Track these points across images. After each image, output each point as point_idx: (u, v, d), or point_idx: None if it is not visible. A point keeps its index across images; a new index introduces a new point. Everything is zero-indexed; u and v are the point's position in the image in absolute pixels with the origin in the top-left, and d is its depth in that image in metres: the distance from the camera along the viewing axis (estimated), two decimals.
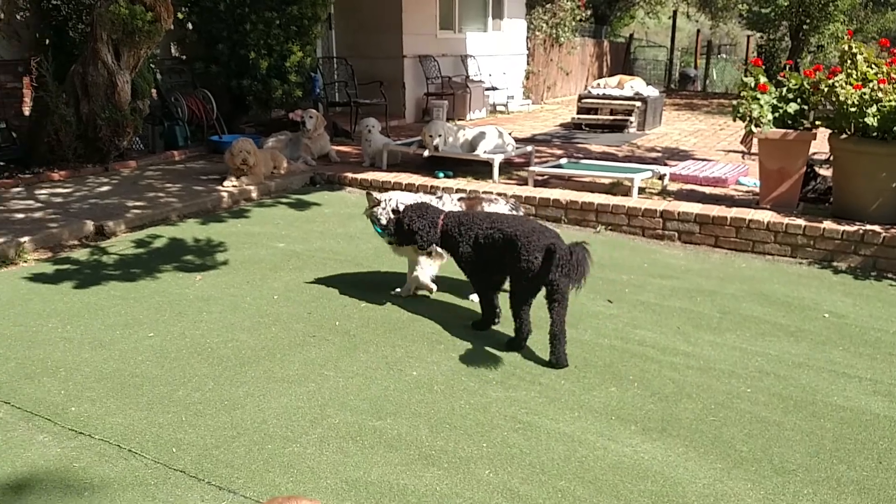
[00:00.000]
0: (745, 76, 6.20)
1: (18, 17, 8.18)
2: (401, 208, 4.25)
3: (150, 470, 2.73)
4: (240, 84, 9.53)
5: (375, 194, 4.47)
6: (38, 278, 4.81)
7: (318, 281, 4.83)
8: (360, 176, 7.70)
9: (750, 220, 5.74)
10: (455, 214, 4.07)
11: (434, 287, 4.59)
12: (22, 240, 5.37)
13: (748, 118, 5.93)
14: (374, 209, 4.37)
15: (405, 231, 4.10)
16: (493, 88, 14.02)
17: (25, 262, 5.22)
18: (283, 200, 7.19)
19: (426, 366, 3.65)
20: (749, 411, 3.26)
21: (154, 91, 8.72)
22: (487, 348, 3.85)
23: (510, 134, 8.35)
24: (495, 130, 7.96)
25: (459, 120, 12.51)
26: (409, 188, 7.33)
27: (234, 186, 7.21)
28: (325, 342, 3.90)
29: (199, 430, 2.99)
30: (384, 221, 4.29)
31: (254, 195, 7.27)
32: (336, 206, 7.03)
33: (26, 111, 8.41)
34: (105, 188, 7.19)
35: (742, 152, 8.76)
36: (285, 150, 8.42)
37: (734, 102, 6.13)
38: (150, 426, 3.01)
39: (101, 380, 3.40)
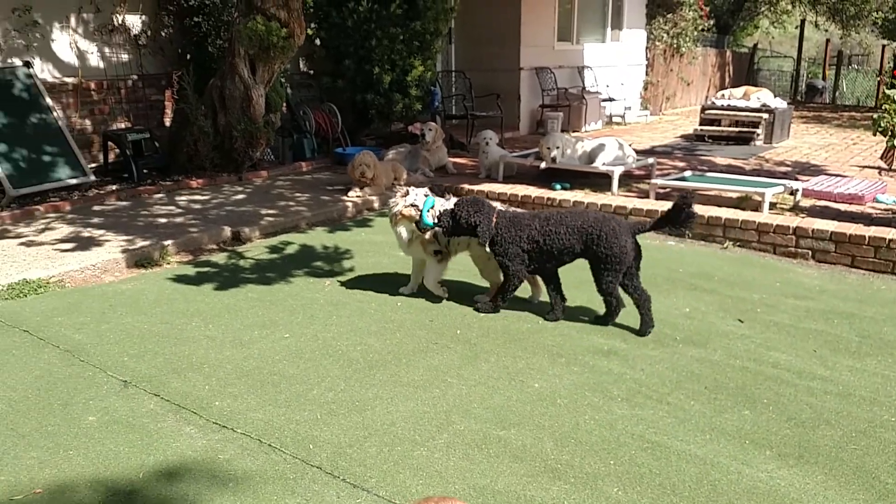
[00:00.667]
0: (888, 88, 5.82)
1: (163, 33, 8.84)
2: (436, 206, 4.52)
3: (289, 465, 2.87)
4: (364, 98, 9.86)
5: (401, 188, 4.76)
6: (180, 279, 5.15)
7: None
8: (476, 187, 7.78)
9: (890, 240, 5.38)
10: (505, 213, 4.41)
11: (445, 293, 4.73)
12: (166, 243, 5.78)
13: (890, 132, 5.57)
14: (404, 203, 4.59)
15: (462, 225, 4.34)
16: (610, 99, 13.82)
17: (168, 263, 5.60)
18: None
19: (548, 378, 3.64)
20: (894, 441, 3.05)
21: (284, 105, 9.17)
22: (609, 365, 3.80)
23: (630, 145, 8.20)
24: (615, 142, 7.84)
25: (575, 132, 12.39)
26: (525, 200, 7.34)
27: (357, 197, 7.47)
28: (446, 350, 3.96)
29: (332, 429, 3.11)
30: (430, 218, 4.48)
31: (376, 205, 7.50)
32: None
33: (167, 122, 9.07)
34: (239, 196, 7.62)
35: (881, 168, 8.21)
36: (405, 162, 8.63)
37: (875, 116, 5.78)
38: (288, 423, 3.16)
39: (241, 377, 3.61)
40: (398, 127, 11.18)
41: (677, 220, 4.03)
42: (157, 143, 8.34)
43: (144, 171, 8.09)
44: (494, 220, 4.31)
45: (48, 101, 7.59)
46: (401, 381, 3.57)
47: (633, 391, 3.52)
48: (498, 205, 4.60)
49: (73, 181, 7.45)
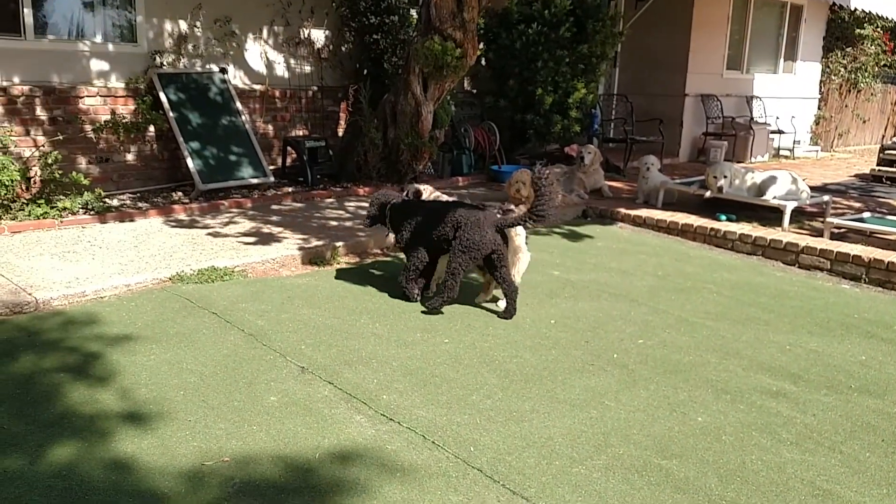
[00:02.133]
0: None
1: (343, 48, 9.40)
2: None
3: (451, 463, 2.96)
4: (523, 118, 9.97)
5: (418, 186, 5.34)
6: (349, 278, 5.43)
7: (593, 311, 4.88)
8: (633, 212, 7.64)
9: None
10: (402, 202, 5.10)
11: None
12: (337, 244, 6.12)
13: None
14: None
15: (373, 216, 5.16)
16: (779, 132, 13.12)
17: (338, 263, 5.92)
18: (557, 231, 7.37)
19: (712, 414, 3.51)
20: None
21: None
22: (778, 406, 3.61)
23: (804, 181, 7.75)
24: (788, 175, 7.44)
25: (739, 162, 11.85)
26: (686, 229, 7.11)
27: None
28: (603, 372, 3.93)
29: (492, 435, 3.18)
30: None
31: (530, 224, 7.53)
32: (608, 240, 7.04)
33: (340, 132, 9.61)
34: None
35: None
36: (559, 183, 8.62)
37: None
38: (450, 423, 3.26)
39: (406, 375, 3.76)
40: (553, 147, 11.19)
41: (534, 209, 4.46)
42: (330, 151, 8.85)
43: (318, 176, 8.60)
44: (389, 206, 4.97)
45: (238, 105, 8.28)
46: (557, 398, 3.58)
47: (803, 436, 3.33)
48: (430, 190, 5.28)
49: (255, 181, 8.07)
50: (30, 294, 4.54)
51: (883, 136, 17.75)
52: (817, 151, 14.16)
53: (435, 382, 3.68)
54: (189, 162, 7.55)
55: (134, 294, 4.81)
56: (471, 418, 3.32)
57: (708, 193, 7.66)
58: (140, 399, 3.37)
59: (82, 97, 7.32)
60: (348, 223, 6.95)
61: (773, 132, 13.05)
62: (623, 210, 7.77)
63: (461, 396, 3.54)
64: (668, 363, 4.10)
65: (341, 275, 5.52)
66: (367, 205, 7.86)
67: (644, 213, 7.59)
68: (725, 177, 7.55)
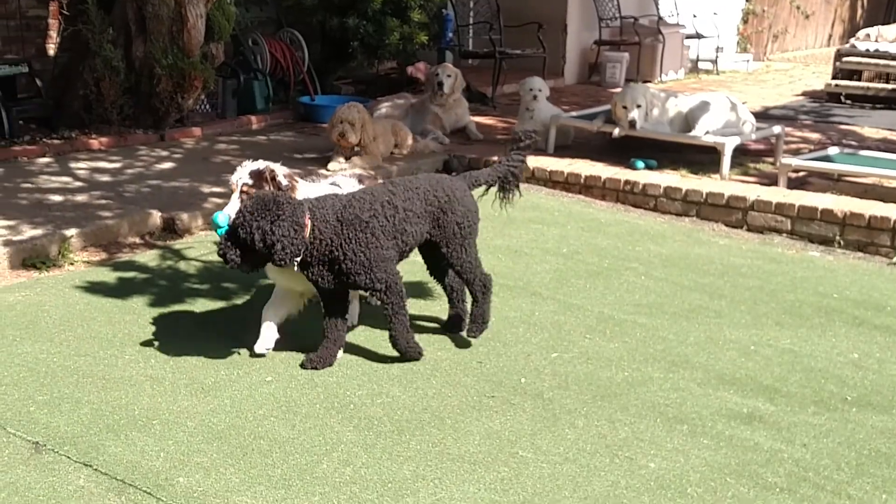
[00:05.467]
0: None
1: None
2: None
3: None
4: (343, 24, 9.84)
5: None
6: (95, 289, 5.11)
7: None
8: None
9: None
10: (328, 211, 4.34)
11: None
12: (67, 233, 5.73)
13: None
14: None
15: (252, 248, 4.17)
16: (698, 36, 13.92)
17: (73, 264, 5.56)
18: None
19: (667, 455, 3.63)
20: None
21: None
22: (754, 436, 3.80)
23: (744, 104, 8.25)
24: (725, 100, 7.90)
25: (646, 81, 12.43)
26: (592, 185, 7.37)
27: (342, 170, 7.43)
28: (510, 407, 3.96)
29: None
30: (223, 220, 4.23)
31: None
32: (485, 205, 7.12)
33: (52, 50, 8.99)
34: (166, 165, 7.61)
35: None
36: (405, 121, 8.63)
37: None
38: None
39: (212, 440, 3.57)
40: (388, 67, 11.19)
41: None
42: (38, 82, 8.30)
43: (21, 122, 8.05)
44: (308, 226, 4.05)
45: None
46: (449, 453, 3.55)
47: (795, 477, 3.52)
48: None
49: None
50: None
51: (831, 37, 19.34)
52: (748, 61, 15.18)
53: (260, 449, 3.53)
54: None
55: None
56: (324, 500, 3.20)
57: (616, 131, 7.95)
58: None
59: None
60: (80, 196, 6.58)
61: (688, 37, 13.81)
62: (496, 159, 7.90)
63: (304, 466, 3.41)
64: (596, 385, 4.19)
65: (81, 283, 5.20)
66: (109, 166, 7.63)
67: (532, 162, 7.74)
68: (639, 106, 7.87)
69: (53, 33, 8.95)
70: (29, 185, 6.80)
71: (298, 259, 4.03)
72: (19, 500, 3.15)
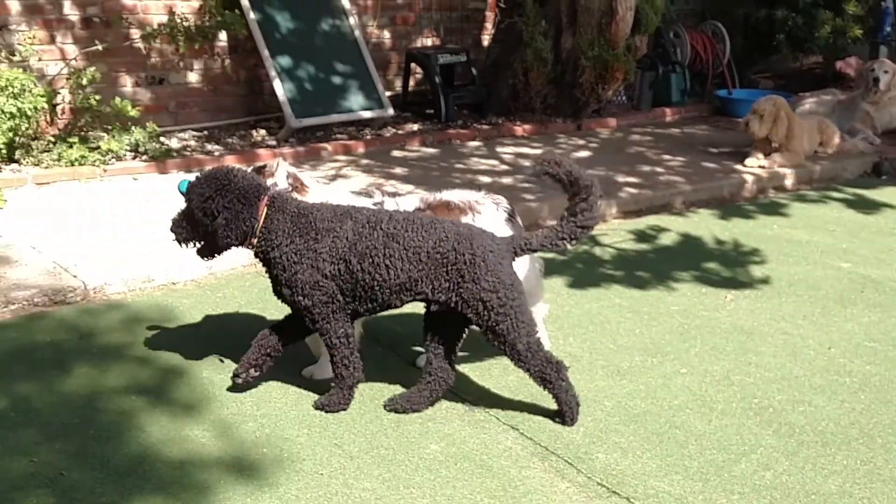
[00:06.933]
0: None
1: None
2: None
3: None
4: (770, 15, 9.55)
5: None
6: None
7: None
8: None
9: None
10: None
11: None
12: None
13: None
14: None
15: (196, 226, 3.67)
16: None
17: None
18: (834, 195, 7.07)
19: None
20: None
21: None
22: None
23: None
24: None
25: None
26: None
27: (760, 167, 7.24)
28: None
29: None
30: None
31: (788, 182, 7.27)
32: None
33: (487, 41, 9.52)
34: (582, 153, 7.81)
35: None
36: (831, 118, 8.22)
37: None
38: None
39: (628, 422, 3.63)
40: (810, 62, 10.71)
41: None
42: (473, 70, 8.80)
43: (455, 107, 8.59)
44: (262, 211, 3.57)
45: (345, 1, 8.30)
46: (879, 474, 3.33)
47: None
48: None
49: (367, 114, 8.14)
50: (75, 276, 4.74)
51: None
52: None
53: (675, 438, 3.53)
54: (277, 86, 7.70)
55: (219, 282, 4.94)
56: (744, 501, 3.15)
57: None
58: (247, 438, 3.43)
59: None
60: (506, 179, 6.92)
61: None
62: None
63: (720, 463, 3.37)
64: None
65: None
66: (531, 151, 7.94)
67: None
68: None
69: (489, 25, 9.49)
70: (461, 166, 7.27)
71: (246, 245, 3.59)
72: (455, 450, 3.40)
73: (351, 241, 3.48)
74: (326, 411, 3.62)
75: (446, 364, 3.66)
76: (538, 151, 7.79)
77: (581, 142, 8.22)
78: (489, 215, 3.87)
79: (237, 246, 3.61)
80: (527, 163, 7.40)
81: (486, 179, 6.86)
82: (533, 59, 8.39)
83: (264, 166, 3.98)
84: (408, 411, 3.63)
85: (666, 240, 5.95)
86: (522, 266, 3.81)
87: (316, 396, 3.71)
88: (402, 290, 3.52)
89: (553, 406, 3.62)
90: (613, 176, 7.04)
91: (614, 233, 6.07)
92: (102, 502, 3.01)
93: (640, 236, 6.00)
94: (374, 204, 3.86)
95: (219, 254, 3.69)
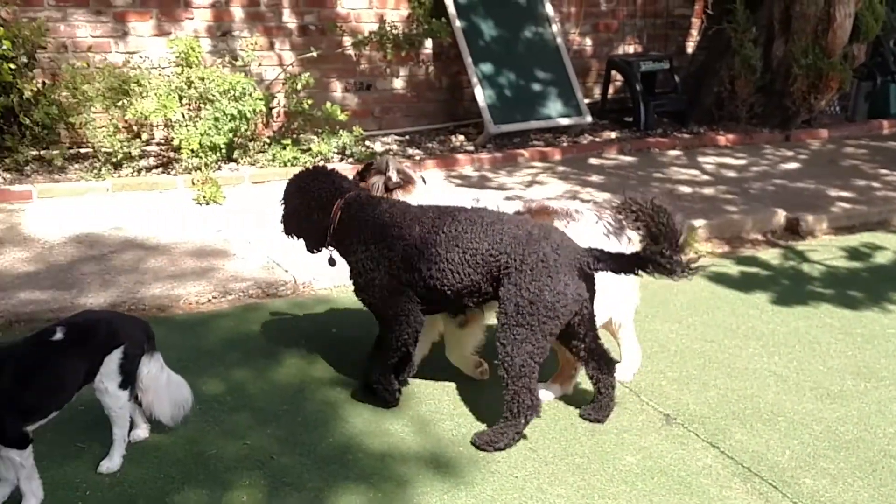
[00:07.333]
0: None
1: None
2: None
3: None
4: None
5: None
6: (719, 279, 5.26)
7: None
8: None
9: None
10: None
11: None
12: (695, 223, 5.91)
13: None
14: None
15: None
16: None
17: (697, 253, 5.71)
18: None
19: None
20: None
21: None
22: None
23: None
24: None
25: None
26: None
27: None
28: None
29: None
30: None
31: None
32: None
33: (691, 48, 9.33)
34: (790, 165, 7.54)
35: None
36: None
37: None
38: None
39: (838, 448, 3.47)
40: None
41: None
42: (676, 77, 8.64)
43: (655, 115, 8.47)
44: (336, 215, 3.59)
45: (548, 7, 8.32)
46: None
47: None
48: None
49: (565, 121, 8.13)
50: (286, 271, 4.94)
51: None
52: None
53: (891, 467, 3.35)
54: (478, 92, 7.78)
55: None
56: None
57: None
58: (444, 436, 3.48)
59: None
60: (707, 190, 6.76)
61: None
62: None
63: None
64: None
65: (706, 272, 5.32)
66: (734, 162, 7.70)
67: None
68: None
69: (695, 31, 9.30)
70: (660, 175, 7.15)
71: (326, 246, 3.66)
72: (652, 464, 3.34)
73: (419, 247, 3.41)
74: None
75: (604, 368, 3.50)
76: (742, 162, 7.58)
77: (789, 153, 7.93)
78: (585, 225, 3.68)
79: (319, 246, 3.70)
80: (730, 173, 7.20)
81: (685, 189, 6.73)
82: (741, 66, 8.19)
83: (372, 164, 4.01)
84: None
85: (881, 258, 5.66)
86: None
87: None
88: (469, 293, 3.42)
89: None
90: (824, 190, 6.77)
91: (824, 249, 5.82)
92: (309, 487, 3.12)
93: (853, 254, 5.73)
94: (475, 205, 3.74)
95: (317, 250, 3.76)
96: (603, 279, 3.46)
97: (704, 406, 3.77)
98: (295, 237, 3.76)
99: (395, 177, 3.85)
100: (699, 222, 5.95)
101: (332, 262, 3.78)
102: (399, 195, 3.85)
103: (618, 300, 3.75)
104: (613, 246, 3.56)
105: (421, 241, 3.41)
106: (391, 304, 3.53)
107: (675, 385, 3.94)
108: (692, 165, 7.49)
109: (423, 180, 4.02)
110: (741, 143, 8.18)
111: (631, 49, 9.16)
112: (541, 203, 3.83)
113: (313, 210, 3.63)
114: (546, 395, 3.74)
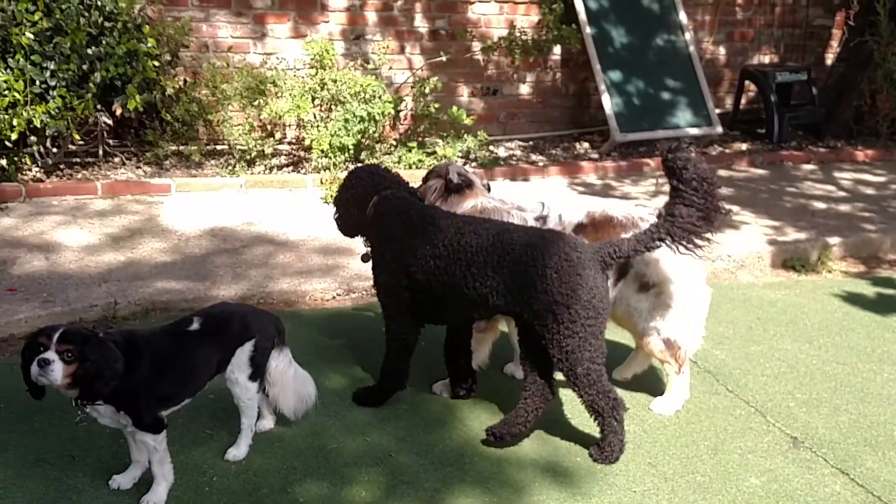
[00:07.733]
0: None
1: None
2: None
3: None
4: None
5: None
6: (853, 299, 5.10)
7: None
8: None
9: None
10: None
11: None
12: (830, 241, 5.76)
13: None
14: None
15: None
16: None
17: (831, 272, 5.60)
18: None
19: None
20: None
21: None
22: None
23: None
24: None
25: None
26: None
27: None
28: None
29: None
30: None
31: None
32: None
33: (830, 59, 9.05)
34: None
35: None
36: None
37: None
38: None
39: None
40: None
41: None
42: (813, 90, 8.40)
43: (790, 127, 8.26)
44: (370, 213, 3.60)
45: (682, 16, 8.18)
46: None
47: None
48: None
49: (694, 131, 7.97)
50: None
51: None
52: None
53: None
54: (605, 100, 7.71)
55: None
56: None
57: None
58: (561, 445, 3.45)
59: (473, 2, 7.87)
60: (843, 206, 6.56)
61: None
62: None
63: None
64: None
65: (838, 291, 5.21)
66: (873, 179, 7.43)
67: None
68: None
69: (835, 43, 9.03)
70: (793, 190, 6.97)
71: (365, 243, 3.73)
72: (778, 487, 3.24)
73: (443, 257, 3.35)
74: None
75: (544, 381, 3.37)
76: (882, 179, 7.32)
77: None
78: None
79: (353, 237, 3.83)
80: (869, 190, 6.95)
81: (820, 205, 6.54)
82: (883, 80, 7.94)
83: (434, 168, 4.01)
84: (505, 437, 3.34)
85: None
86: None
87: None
88: (476, 305, 3.35)
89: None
90: None
91: None
92: (426, 487, 3.14)
93: None
94: (537, 217, 3.70)
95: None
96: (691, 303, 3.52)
97: (835, 430, 3.63)
98: (342, 232, 3.81)
99: (455, 178, 3.84)
100: (834, 240, 5.80)
101: (365, 257, 3.80)
102: (459, 199, 3.81)
103: (698, 325, 3.69)
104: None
105: (444, 248, 3.35)
106: (391, 305, 3.59)
107: (804, 407, 3.81)
108: (827, 181, 7.27)
109: (488, 187, 4.00)
110: (881, 160, 7.92)
111: (766, 59, 8.96)
112: (605, 212, 3.72)
113: (351, 206, 3.68)
114: (664, 408, 3.70)
